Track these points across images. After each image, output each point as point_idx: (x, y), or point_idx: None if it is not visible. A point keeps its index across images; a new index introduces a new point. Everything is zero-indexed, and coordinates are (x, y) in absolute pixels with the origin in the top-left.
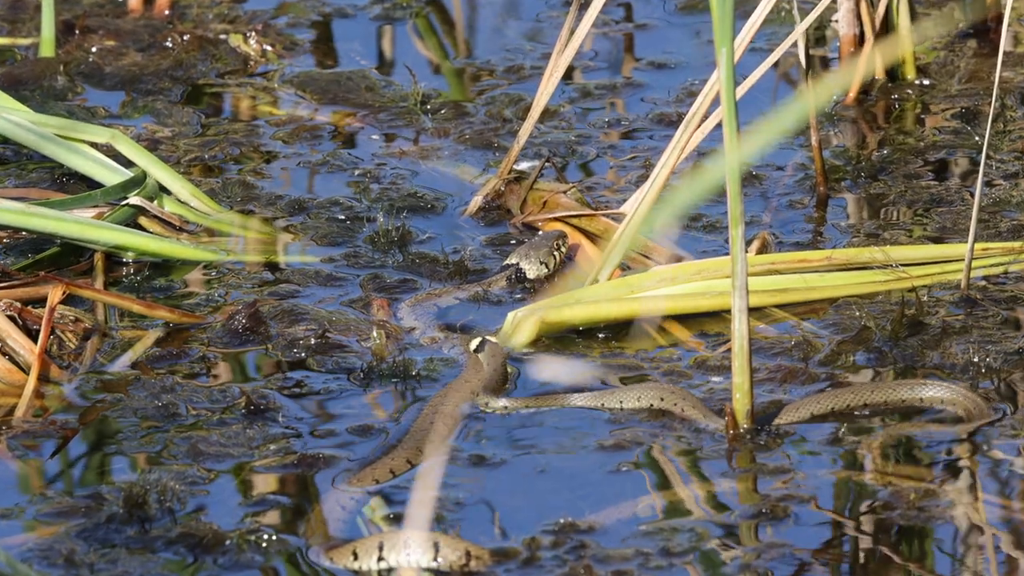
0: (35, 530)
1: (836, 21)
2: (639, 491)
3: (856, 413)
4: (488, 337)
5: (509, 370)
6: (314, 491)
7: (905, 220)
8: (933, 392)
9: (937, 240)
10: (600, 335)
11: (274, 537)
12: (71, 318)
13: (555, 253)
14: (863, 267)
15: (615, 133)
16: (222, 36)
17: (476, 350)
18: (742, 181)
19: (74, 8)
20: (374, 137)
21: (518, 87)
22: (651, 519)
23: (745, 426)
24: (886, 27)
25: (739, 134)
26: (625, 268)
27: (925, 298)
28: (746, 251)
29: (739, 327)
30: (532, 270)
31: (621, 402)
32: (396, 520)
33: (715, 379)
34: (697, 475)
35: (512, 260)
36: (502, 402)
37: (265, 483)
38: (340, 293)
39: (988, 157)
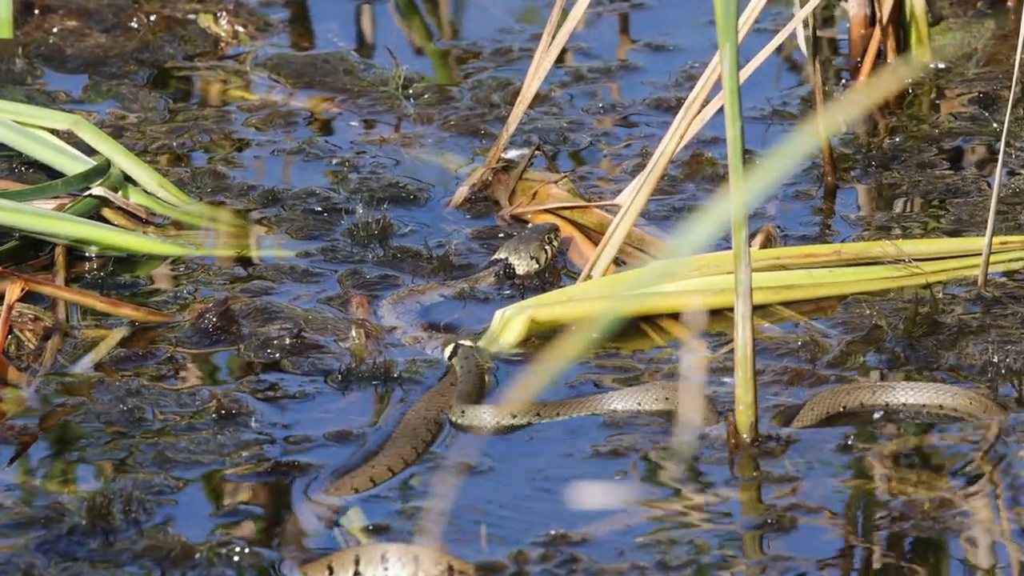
0: None
1: (846, 0)
2: (635, 500)
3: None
4: (462, 341)
5: (487, 378)
6: (289, 501)
7: (919, 212)
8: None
9: (953, 233)
10: (594, 335)
11: (246, 550)
12: (30, 316)
13: (546, 247)
14: (874, 262)
15: (610, 119)
16: (191, 16)
17: (450, 357)
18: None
19: None
20: (353, 123)
21: (506, 70)
22: (648, 530)
23: (748, 439)
24: (899, 6)
25: (741, 120)
26: (620, 263)
27: (940, 295)
28: (749, 246)
29: (742, 334)
30: (522, 265)
31: (639, 403)
32: (375, 532)
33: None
34: (698, 483)
35: (500, 255)
36: (482, 415)
37: (237, 492)
38: (317, 290)
39: (1007, 145)
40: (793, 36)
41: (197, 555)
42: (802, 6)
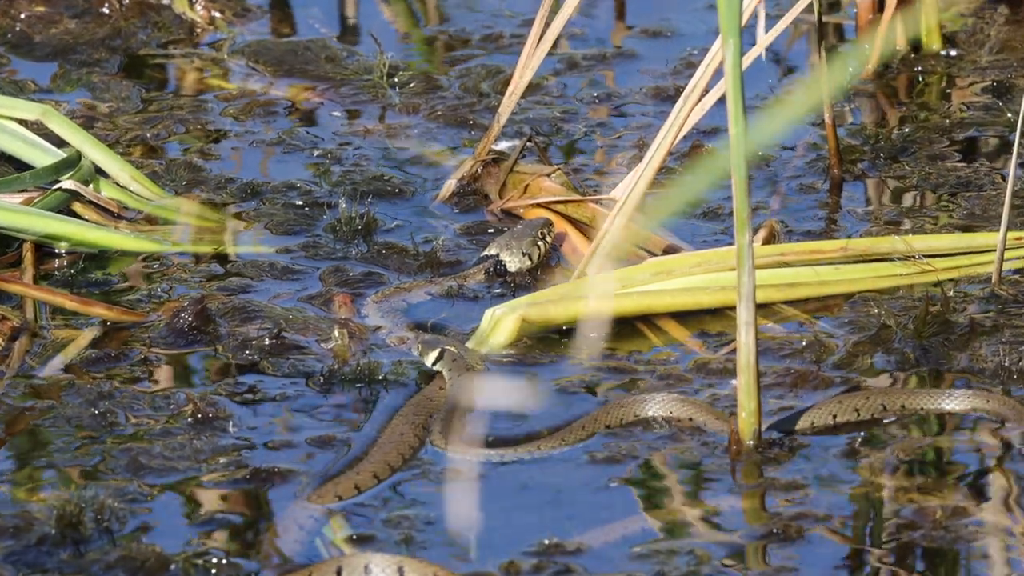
0: None
1: None
2: (632, 509)
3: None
4: (447, 346)
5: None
6: (269, 509)
7: (929, 206)
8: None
9: (965, 229)
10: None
11: (224, 560)
12: None
13: (539, 243)
14: (882, 259)
15: (605, 109)
16: (165, 1)
17: (434, 363)
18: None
19: None
20: (335, 114)
21: (496, 58)
22: (646, 540)
23: (751, 444)
24: None
25: (745, 116)
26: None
27: (951, 293)
28: (752, 242)
29: (746, 339)
30: (514, 262)
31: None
32: (359, 542)
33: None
34: (698, 491)
35: (491, 251)
36: (475, 452)
37: (214, 500)
38: (298, 288)
39: (1022, 136)
40: (797, 21)
41: (172, 566)
42: None
